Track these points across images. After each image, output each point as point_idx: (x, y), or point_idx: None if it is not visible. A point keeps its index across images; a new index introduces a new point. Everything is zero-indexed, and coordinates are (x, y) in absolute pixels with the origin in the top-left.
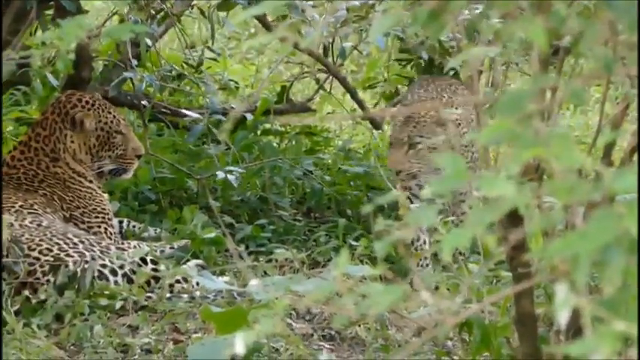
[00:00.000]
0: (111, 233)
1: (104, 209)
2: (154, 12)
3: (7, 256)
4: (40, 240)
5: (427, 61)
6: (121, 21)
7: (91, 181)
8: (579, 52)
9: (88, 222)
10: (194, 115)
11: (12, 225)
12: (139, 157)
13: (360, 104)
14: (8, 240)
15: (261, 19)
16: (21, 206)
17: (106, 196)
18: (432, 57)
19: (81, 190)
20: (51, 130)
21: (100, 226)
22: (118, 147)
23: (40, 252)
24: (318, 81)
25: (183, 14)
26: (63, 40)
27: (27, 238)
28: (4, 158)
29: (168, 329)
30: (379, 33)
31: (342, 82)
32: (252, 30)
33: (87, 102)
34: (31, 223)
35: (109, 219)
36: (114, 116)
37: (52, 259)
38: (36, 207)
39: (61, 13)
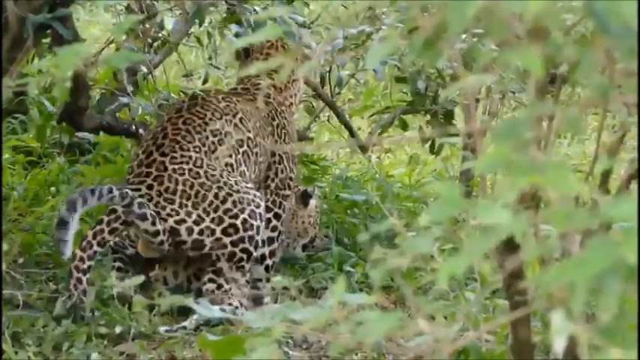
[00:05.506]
0: None
1: None
2: (150, 40)
3: None
4: None
5: (419, 91)
6: (118, 49)
7: None
8: (576, 80)
9: None
10: None
11: None
12: None
13: (353, 134)
14: None
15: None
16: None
17: None
18: (428, 85)
19: None
20: None
21: None
22: None
23: None
24: (310, 110)
25: (180, 42)
26: (59, 68)
27: None
28: None
29: (165, 357)
30: (376, 61)
31: (337, 113)
32: None
33: None
34: None
35: None
36: None
37: None
38: None
39: (58, 41)
